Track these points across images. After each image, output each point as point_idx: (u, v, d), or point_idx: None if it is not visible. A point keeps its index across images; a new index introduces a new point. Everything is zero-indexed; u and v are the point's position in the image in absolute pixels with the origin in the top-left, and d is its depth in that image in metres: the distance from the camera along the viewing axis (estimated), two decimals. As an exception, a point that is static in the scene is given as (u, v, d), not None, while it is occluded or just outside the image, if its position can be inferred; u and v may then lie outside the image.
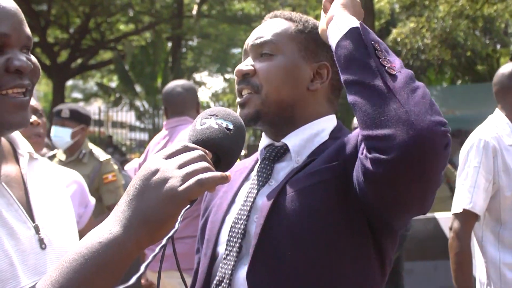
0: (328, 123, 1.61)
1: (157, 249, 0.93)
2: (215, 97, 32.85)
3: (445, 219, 7.21)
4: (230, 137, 1.17)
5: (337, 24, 1.40)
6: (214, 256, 1.53)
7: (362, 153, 1.31)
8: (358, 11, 1.48)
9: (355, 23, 1.37)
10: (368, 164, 1.26)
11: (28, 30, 1.29)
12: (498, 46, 26.52)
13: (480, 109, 14.59)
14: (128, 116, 25.13)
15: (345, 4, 1.46)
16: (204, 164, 1.03)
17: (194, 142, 1.14)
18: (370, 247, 1.43)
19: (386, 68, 1.28)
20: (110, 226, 1.00)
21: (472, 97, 15.43)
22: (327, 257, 1.39)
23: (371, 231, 1.42)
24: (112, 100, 24.61)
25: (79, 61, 24.02)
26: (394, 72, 1.28)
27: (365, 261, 1.43)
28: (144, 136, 26.08)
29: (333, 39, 1.40)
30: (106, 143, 20.90)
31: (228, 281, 1.43)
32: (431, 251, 6.67)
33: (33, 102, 2.72)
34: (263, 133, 1.65)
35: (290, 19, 1.64)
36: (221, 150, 1.15)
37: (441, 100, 16.04)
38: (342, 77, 1.35)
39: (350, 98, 1.31)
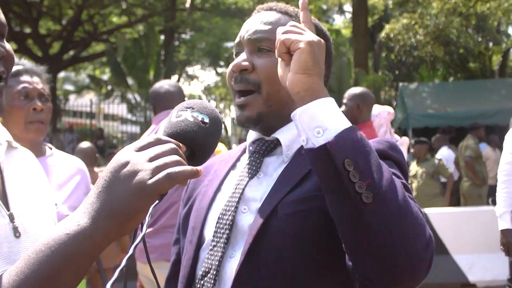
0: None
1: (130, 250, 0.94)
2: (207, 90, 32.82)
3: (435, 215, 7.25)
4: (205, 131, 1.15)
5: (302, 125, 1.25)
6: (199, 243, 1.52)
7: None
8: (322, 62, 1.32)
9: (324, 137, 1.21)
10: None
11: (2, 17, 1.27)
12: (491, 44, 26.61)
13: (471, 106, 14.64)
14: (120, 109, 25.06)
15: (309, 65, 1.26)
16: (175, 157, 1.02)
17: (168, 135, 1.13)
18: None
19: (362, 195, 1.16)
20: (78, 218, 0.98)
21: (464, 94, 15.47)
22: (315, 280, 1.38)
23: None
24: (104, 93, 24.54)
25: (71, 53, 23.92)
26: (370, 201, 1.16)
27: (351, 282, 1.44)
28: (135, 129, 26.00)
29: (300, 138, 1.27)
30: (97, 135, 20.86)
31: (215, 272, 1.42)
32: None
33: (39, 85, 2.70)
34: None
35: (286, 13, 1.57)
36: (195, 143, 1.14)
37: (433, 96, 16.08)
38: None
39: (330, 209, 1.27)
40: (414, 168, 9.13)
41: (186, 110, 1.18)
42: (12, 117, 2.62)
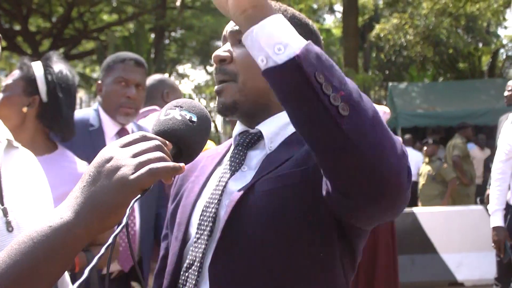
0: None
1: (110, 239, 0.95)
2: (198, 89, 32.79)
3: (423, 214, 7.29)
4: (192, 129, 1.17)
5: (259, 43, 1.16)
6: (185, 240, 1.52)
7: (326, 189, 1.30)
8: None
9: (286, 53, 1.13)
10: (336, 202, 1.29)
11: None
12: (480, 45, 26.76)
13: (460, 106, 14.71)
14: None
15: None
16: (158, 154, 1.03)
17: (156, 132, 1.14)
18: (336, 244, 1.43)
19: (339, 108, 1.10)
20: (62, 212, 1.00)
21: (453, 94, 15.54)
22: (291, 255, 1.39)
23: (339, 230, 1.42)
24: (93, 91, 24.45)
25: (61, 50, 23.77)
26: (346, 113, 1.11)
27: (333, 259, 1.43)
28: (125, 127, 25.89)
29: (258, 59, 1.17)
30: (87, 133, 20.77)
31: (198, 264, 1.43)
32: (408, 246, 6.74)
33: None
34: (238, 121, 1.63)
35: None
36: (182, 142, 1.15)
37: (422, 96, 16.14)
38: (285, 108, 1.20)
39: (303, 134, 1.20)
40: (422, 168, 9.31)
41: (175, 109, 1.19)
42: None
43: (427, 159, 9.35)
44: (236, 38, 1.54)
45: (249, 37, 1.17)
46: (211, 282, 1.39)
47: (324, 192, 1.32)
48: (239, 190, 1.43)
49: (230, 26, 1.56)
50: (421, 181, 9.22)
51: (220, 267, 1.39)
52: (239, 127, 1.62)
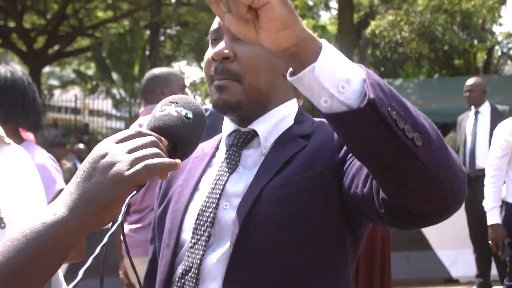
0: (292, 107, 1.56)
1: (106, 238, 0.94)
2: (193, 86, 32.71)
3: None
4: (188, 126, 1.16)
5: (322, 83, 1.03)
6: (177, 246, 1.48)
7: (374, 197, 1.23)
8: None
9: (351, 89, 1.03)
10: (391, 215, 1.21)
11: None
12: (475, 41, 26.77)
13: (456, 102, 14.72)
14: (105, 104, 24.94)
15: (287, 17, 1.00)
16: (154, 150, 1.03)
17: (151, 128, 1.14)
18: (346, 238, 1.43)
19: (414, 139, 1.04)
20: (56, 208, 0.99)
21: (449, 90, 15.55)
22: (306, 260, 1.38)
23: (349, 223, 1.42)
24: (89, 88, 24.40)
25: (56, 47, 23.73)
26: (420, 142, 1.04)
27: (345, 255, 1.43)
28: (120, 124, 25.88)
29: (320, 100, 1.05)
30: (83, 131, 20.74)
31: (196, 271, 1.40)
32: (403, 242, 6.75)
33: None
34: (227, 119, 1.58)
35: None
36: (178, 138, 1.14)
37: (418, 93, 16.17)
38: (350, 147, 1.13)
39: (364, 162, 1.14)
40: None
41: (170, 105, 1.18)
42: None
43: None
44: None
45: (306, 78, 1.04)
46: None
47: (369, 208, 1.26)
48: (246, 200, 1.40)
49: None
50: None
51: (236, 281, 1.36)
52: (229, 126, 1.57)
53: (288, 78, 1.09)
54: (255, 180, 1.43)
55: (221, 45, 1.46)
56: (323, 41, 1.06)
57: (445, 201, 1.14)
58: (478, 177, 5.98)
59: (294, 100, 1.59)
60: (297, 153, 1.44)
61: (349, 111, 1.02)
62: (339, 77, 1.03)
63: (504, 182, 4.66)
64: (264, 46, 1.04)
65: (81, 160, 10.30)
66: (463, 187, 1.14)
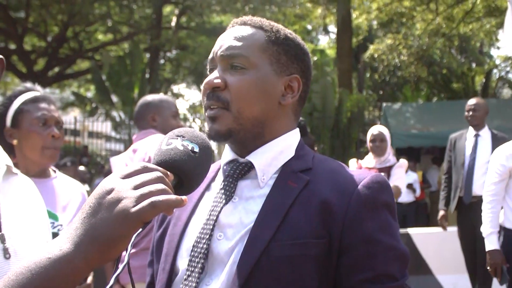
0: (293, 138, 1.55)
1: (111, 280, 0.94)
2: (193, 109, 32.77)
3: (418, 235, 7.27)
4: (194, 160, 1.15)
5: None
6: (172, 271, 1.48)
7: None
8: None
9: None
10: None
11: None
12: (473, 65, 26.91)
13: (454, 126, 14.73)
14: (104, 126, 24.96)
15: None
16: (160, 186, 1.02)
17: (157, 163, 1.13)
18: None
19: None
20: (61, 243, 0.99)
21: (447, 114, 15.57)
22: None
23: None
24: (88, 110, 24.44)
25: (56, 69, 23.82)
26: None
27: None
28: (120, 146, 25.87)
29: None
30: (82, 153, 20.73)
31: None
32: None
33: (56, 113, 2.78)
34: (227, 146, 1.58)
35: (260, 28, 1.53)
36: (184, 173, 1.13)
37: (416, 116, 16.18)
38: None
39: None
40: None
41: (177, 139, 1.18)
42: (29, 142, 2.72)
43: None
44: (228, 63, 1.49)
45: None
46: None
47: None
48: (251, 253, 1.37)
49: (221, 50, 1.50)
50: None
51: None
52: (228, 155, 1.56)
53: None
54: (257, 224, 1.40)
55: (213, 74, 1.49)
56: None
57: None
58: (473, 203, 5.95)
59: (296, 130, 1.58)
60: (301, 192, 1.42)
61: None
62: None
63: (502, 208, 4.63)
64: None
65: (81, 182, 10.28)
66: None
